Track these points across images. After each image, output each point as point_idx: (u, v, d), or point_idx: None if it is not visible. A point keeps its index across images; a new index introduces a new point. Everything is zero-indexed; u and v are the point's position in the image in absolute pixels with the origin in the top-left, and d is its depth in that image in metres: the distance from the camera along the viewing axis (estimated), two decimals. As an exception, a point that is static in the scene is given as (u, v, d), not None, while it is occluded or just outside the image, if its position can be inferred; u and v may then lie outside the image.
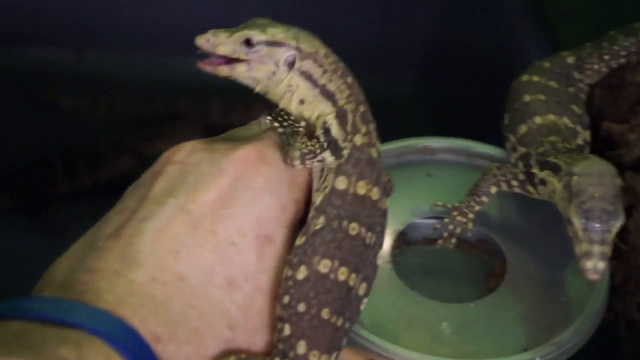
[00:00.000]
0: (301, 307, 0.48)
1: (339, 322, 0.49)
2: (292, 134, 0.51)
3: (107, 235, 0.49)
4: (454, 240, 0.66)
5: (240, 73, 0.51)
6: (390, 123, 0.76)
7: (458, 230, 0.66)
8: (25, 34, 1.07)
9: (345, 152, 0.50)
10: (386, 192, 0.53)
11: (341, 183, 0.50)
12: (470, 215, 0.65)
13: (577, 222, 0.55)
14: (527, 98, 0.68)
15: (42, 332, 0.43)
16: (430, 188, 0.72)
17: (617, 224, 0.55)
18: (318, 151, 0.50)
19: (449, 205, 0.66)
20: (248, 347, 0.49)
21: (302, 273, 0.48)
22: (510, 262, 0.65)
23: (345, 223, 0.49)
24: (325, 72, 0.51)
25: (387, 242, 0.67)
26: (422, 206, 0.70)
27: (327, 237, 0.49)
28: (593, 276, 0.55)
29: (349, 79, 0.52)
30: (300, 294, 0.48)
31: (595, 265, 0.54)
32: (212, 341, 0.47)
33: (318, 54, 0.51)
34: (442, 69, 1.01)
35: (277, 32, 0.51)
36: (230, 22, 0.52)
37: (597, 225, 0.55)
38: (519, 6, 0.95)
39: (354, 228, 0.49)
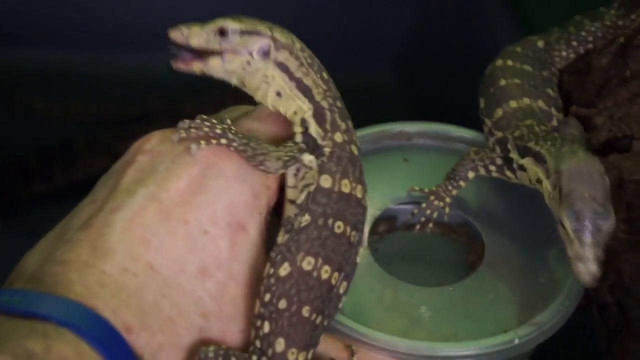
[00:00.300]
0: (282, 304, 0.47)
1: (318, 320, 0.48)
2: (256, 142, 0.49)
3: (77, 227, 0.48)
4: (431, 225, 0.65)
5: (215, 67, 0.49)
6: (370, 112, 0.75)
7: (435, 214, 0.65)
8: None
9: (327, 150, 0.49)
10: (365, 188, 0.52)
11: (326, 181, 0.49)
12: (448, 200, 0.64)
13: (569, 224, 0.54)
14: (502, 82, 0.67)
15: (9, 325, 0.42)
16: (406, 173, 0.71)
17: (608, 225, 0.54)
18: (297, 155, 0.49)
19: (426, 190, 0.65)
20: (222, 336, 0.48)
21: (284, 270, 0.47)
22: (488, 245, 0.64)
23: (331, 221, 0.48)
24: (301, 65, 0.50)
25: (365, 228, 0.66)
26: (399, 191, 0.69)
27: (312, 235, 0.48)
28: (587, 279, 0.53)
29: (325, 75, 0.51)
30: (282, 290, 0.47)
31: (589, 269, 0.53)
32: (185, 330, 0.46)
33: (294, 46, 0.50)
34: (419, 58, 1.00)
35: (251, 22, 0.49)
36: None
37: (589, 227, 0.53)
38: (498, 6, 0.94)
39: (339, 226, 0.48)
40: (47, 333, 0.42)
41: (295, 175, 0.50)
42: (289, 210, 0.50)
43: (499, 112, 0.65)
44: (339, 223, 0.48)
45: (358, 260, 0.50)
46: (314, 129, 0.50)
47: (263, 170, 0.49)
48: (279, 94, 0.50)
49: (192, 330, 0.47)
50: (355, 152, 0.50)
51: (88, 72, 1.05)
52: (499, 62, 0.69)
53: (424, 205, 0.65)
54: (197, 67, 0.49)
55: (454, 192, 0.64)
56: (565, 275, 0.61)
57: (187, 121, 0.50)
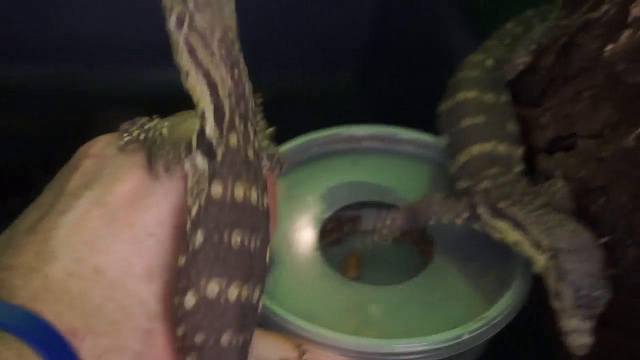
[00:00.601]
0: (198, 338, 0.45)
1: (241, 339, 0.46)
2: (153, 141, 0.47)
3: (23, 231, 0.47)
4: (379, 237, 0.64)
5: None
6: (331, 115, 0.74)
7: (379, 240, 0.64)
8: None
9: (220, 153, 0.46)
10: (280, 169, 0.50)
11: (216, 189, 0.45)
12: (396, 234, 0.64)
13: (568, 300, 0.54)
14: (466, 122, 0.65)
15: None
16: (355, 176, 0.70)
17: (605, 299, 0.54)
18: (183, 154, 0.46)
19: (379, 225, 0.64)
20: (168, 338, 0.46)
21: (190, 301, 0.45)
22: (437, 245, 0.64)
23: (226, 235, 0.45)
24: (212, 56, 0.46)
25: (315, 231, 0.65)
26: (348, 195, 0.68)
27: (209, 255, 0.45)
28: (581, 351, 0.54)
29: (237, 72, 0.47)
30: (194, 324, 0.45)
31: (584, 341, 0.53)
32: (131, 332, 0.45)
33: (211, 34, 0.46)
34: (381, 60, 0.99)
35: None
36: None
37: (588, 303, 0.54)
38: (451, 5, 0.94)
39: (236, 239, 0.45)
40: None
41: (193, 175, 0.47)
42: (187, 222, 0.47)
43: (462, 158, 0.64)
44: (236, 234, 0.46)
45: (267, 259, 0.48)
46: (210, 128, 0.46)
47: (154, 174, 0.47)
48: (186, 75, 0.47)
49: (138, 333, 0.46)
50: (252, 156, 0.47)
51: (49, 87, 1.02)
52: (461, 95, 0.67)
53: (373, 232, 0.64)
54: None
55: (405, 226, 0.63)
56: (513, 272, 0.61)
57: (127, 123, 0.48)
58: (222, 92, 0.46)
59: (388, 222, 0.63)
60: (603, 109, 0.58)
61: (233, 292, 0.45)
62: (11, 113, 1.00)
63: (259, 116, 0.53)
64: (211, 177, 0.46)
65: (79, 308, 0.44)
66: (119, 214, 0.46)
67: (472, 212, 0.61)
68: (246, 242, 0.46)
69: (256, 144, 0.47)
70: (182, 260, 0.45)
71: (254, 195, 0.46)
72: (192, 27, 0.46)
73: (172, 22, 0.46)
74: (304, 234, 0.65)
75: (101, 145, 0.50)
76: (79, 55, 1.00)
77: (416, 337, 0.56)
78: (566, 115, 0.61)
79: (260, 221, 0.47)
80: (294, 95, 0.93)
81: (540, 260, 0.56)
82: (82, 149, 0.50)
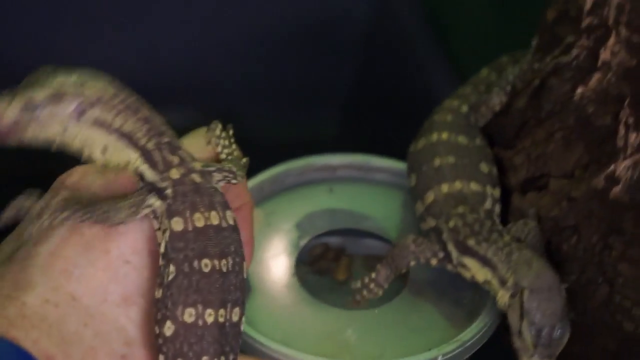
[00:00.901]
0: None
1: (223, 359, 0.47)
2: (98, 205, 0.47)
3: (1, 261, 0.47)
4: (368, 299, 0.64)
5: (33, 138, 0.46)
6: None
7: (371, 297, 0.63)
8: None
9: (169, 192, 0.47)
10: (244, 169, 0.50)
11: (177, 224, 0.46)
12: (385, 285, 0.63)
13: (529, 339, 0.55)
14: (437, 162, 0.65)
15: None
16: (331, 204, 0.70)
17: (565, 338, 0.55)
18: (141, 202, 0.46)
19: (366, 280, 0.63)
20: None
21: (169, 329, 0.45)
22: (412, 269, 0.64)
23: (195, 263, 0.46)
24: (117, 113, 0.47)
25: (292, 258, 0.66)
26: (325, 221, 0.69)
27: (182, 285, 0.46)
28: None
29: (145, 112, 0.47)
30: (174, 350, 0.45)
31: None
32: (107, 358, 0.46)
33: (105, 96, 0.46)
34: (364, 108, 0.99)
35: (58, 84, 0.46)
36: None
37: (549, 342, 0.54)
38: (431, 51, 0.95)
39: (206, 265, 0.46)
40: None
41: (155, 218, 0.47)
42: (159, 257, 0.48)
43: (431, 197, 0.64)
44: (205, 261, 0.46)
45: (245, 274, 0.48)
46: (149, 175, 0.47)
47: (111, 225, 0.47)
48: (104, 150, 0.47)
49: (115, 358, 0.46)
50: (198, 179, 0.47)
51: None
52: (435, 136, 0.67)
53: (362, 290, 0.63)
54: (14, 140, 0.46)
55: (392, 277, 0.63)
56: (487, 295, 0.61)
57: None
58: (142, 139, 0.47)
59: (372, 282, 0.63)
60: (574, 150, 0.60)
61: (210, 317, 0.46)
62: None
63: (233, 146, 0.53)
64: (169, 215, 0.46)
65: (55, 335, 0.44)
66: (95, 242, 0.47)
67: (444, 249, 0.62)
68: (217, 266, 0.46)
69: (197, 166, 0.48)
70: (158, 292, 0.46)
71: (214, 217, 0.47)
72: (89, 105, 0.46)
73: (70, 126, 0.46)
74: (281, 261, 0.65)
75: (78, 176, 0.50)
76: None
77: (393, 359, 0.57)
78: (539, 156, 0.62)
79: (228, 238, 0.47)
80: (279, 141, 0.94)
81: (504, 297, 0.57)
82: (60, 179, 0.50)
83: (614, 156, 0.55)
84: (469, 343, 0.58)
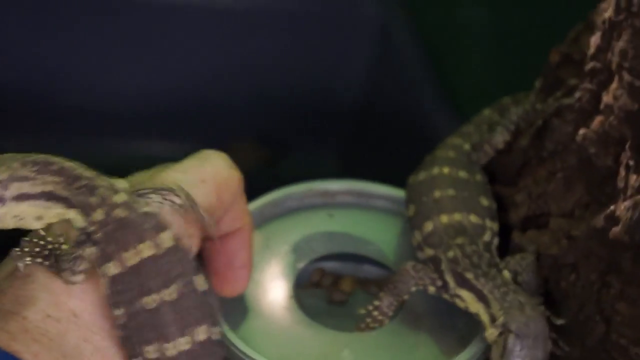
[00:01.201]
0: None
1: None
2: (56, 256, 0.46)
3: (3, 278, 0.47)
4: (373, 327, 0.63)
5: None
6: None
7: (376, 326, 0.63)
8: None
9: (99, 235, 0.46)
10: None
11: (111, 268, 0.46)
12: (390, 314, 0.63)
13: None
14: (437, 194, 0.66)
15: None
16: (330, 228, 0.70)
17: None
18: (77, 252, 0.46)
19: (370, 307, 0.63)
20: None
21: None
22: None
23: (141, 302, 0.45)
24: (32, 180, 0.46)
25: (289, 281, 0.65)
26: (325, 245, 0.69)
27: (135, 326, 0.45)
28: None
29: (55, 165, 0.47)
30: None
31: None
32: None
33: (15, 170, 0.46)
34: (365, 143, 1.00)
35: None
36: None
37: None
38: (432, 89, 0.96)
39: (153, 300, 0.45)
40: None
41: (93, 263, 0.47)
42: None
43: (429, 226, 0.64)
44: (149, 298, 0.45)
45: (204, 287, 0.47)
46: (78, 222, 0.46)
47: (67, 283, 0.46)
48: (39, 218, 0.47)
49: None
50: (122, 213, 0.46)
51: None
52: (436, 170, 0.67)
53: (367, 317, 0.63)
54: None
55: (396, 304, 0.63)
56: (480, 323, 0.61)
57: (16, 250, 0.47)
58: (62, 191, 0.46)
59: (376, 310, 0.63)
60: (575, 190, 0.60)
61: (172, 350, 0.45)
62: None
63: None
64: (103, 260, 0.45)
65: (55, 349, 0.44)
66: None
67: (442, 278, 0.62)
68: (165, 297, 0.45)
69: (119, 198, 0.46)
70: (119, 332, 0.45)
71: (146, 249, 0.46)
72: (5, 187, 0.46)
73: None
74: (279, 283, 0.65)
75: None
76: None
77: None
78: (540, 195, 0.63)
79: (168, 263, 0.46)
80: (279, 172, 0.94)
81: (492, 334, 0.57)
82: None
83: (614, 197, 0.56)
84: None
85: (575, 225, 0.59)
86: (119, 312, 0.45)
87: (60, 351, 0.44)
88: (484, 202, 0.66)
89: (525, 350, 0.55)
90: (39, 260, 0.46)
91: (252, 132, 0.96)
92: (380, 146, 0.97)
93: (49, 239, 0.48)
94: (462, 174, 0.67)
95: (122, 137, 0.94)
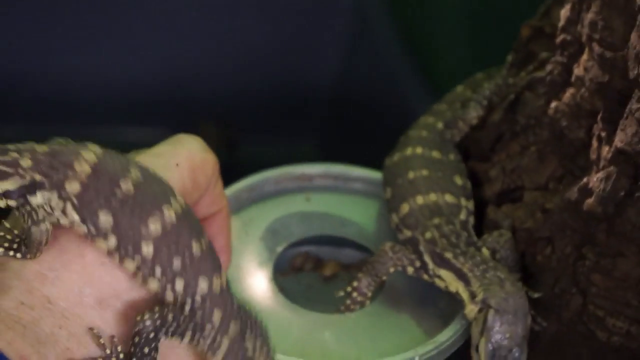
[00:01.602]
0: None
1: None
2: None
3: None
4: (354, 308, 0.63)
5: None
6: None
7: (356, 307, 0.62)
8: None
9: (37, 177, 0.45)
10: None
11: (71, 185, 0.44)
12: (369, 294, 0.62)
13: (483, 356, 0.55)
14: (411, 175, 0.65)
15: None
16: (308, 211, 0.69)
17: None
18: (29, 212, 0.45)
19: (348, 289, 0.63)
20: None
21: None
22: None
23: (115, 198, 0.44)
24: None
25: (269, 264, 0.64)
26: (301, 229, 0.67)
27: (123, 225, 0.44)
28: None
29: None
30: None
31: None
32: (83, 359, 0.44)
33: None
34: (341, 124, 0.98)
35: None
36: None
37: None
38: (406, 67, 0.94)
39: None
40: None
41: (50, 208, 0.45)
42: None
43: (406, 208, 0.63)
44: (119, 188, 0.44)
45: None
46: (11, 185, 0.45)
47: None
48: None
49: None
50: (45, 148, 0.45)
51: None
52: (409, 150, 0.67)
53: (346, 299, 0.62)
54: None
55: (374, 285, 0.62)
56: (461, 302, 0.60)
57: None
58: None
59: (355, 291, 0.62)
60: (548, 163, 0.59)
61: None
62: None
63: None
64: (57, 189, 0.44)
65: (30, 336, 0.43)
66: (70, 247, 0.45)
67: (420, 259, 0.61)
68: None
69: (40, 148, 0.45)
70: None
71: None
72: None
73: None
74: (259, 267, 0.64)
75: None
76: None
77: None
78: (514, 169, 0.62)
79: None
80: (256, 155, 0.92)
81: (472, 311, 0.57)
82: None
83: (587, 169, 0.55)
84: (444, 345, 0.58)
85: (550, 198, 0.58)
86: (103, 217, 0.44)
87: (35, 338, 0.43)
88: (458, 181, 0.65)
89: (505, 326, 0.55)
90: (11, 253, 0.45)
91: (224, 117, 0.94)
92: (357, 130, 0.95)
93: (16, 231, 0.46)
94: (435, 153, 0.66)
95: (95, 124, 0.93)
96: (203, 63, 0.94)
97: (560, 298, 0.56)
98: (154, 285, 0.45)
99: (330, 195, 0.71)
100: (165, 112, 0.93)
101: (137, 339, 0.44)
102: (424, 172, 0.65)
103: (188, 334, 0.45)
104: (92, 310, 0.45)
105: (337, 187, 0.72)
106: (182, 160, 0.50)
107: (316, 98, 0.97)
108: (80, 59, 0.92)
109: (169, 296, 0.45)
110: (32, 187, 0.45)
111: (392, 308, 0.62)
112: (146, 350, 0.44)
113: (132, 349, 0.44)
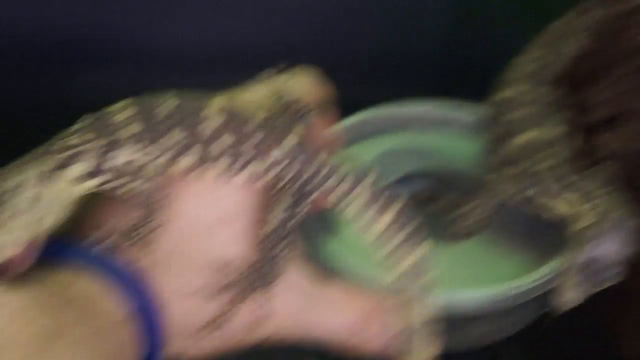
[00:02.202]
0: None
1: None
2: None
3: None
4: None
5: None
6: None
7: (474, 229, 0.63)
8: None
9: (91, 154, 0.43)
10: None
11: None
12: (482, 223, 0.62)
13: (577, 264, 0.53)
14: (515, 114, 0.62)
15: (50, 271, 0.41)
16: (412, 146, 0.70)
17: (608, 285, 0.53)
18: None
19: (456, 219, 0.63)
20: None
21: None
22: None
23: None
24: None
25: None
26: (408, 165, 0.69)
27: None
28: (563, 306, 0.53)
29: None
30: None
31: (571, 298, 0.53)
32: (203, 272, 0.44)
33: None
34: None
35: None
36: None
37: (590, 277, 0.53)
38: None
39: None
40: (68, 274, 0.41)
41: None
42: None
43: (513, 144, 0.61)
44: None
45: None
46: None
47: None
48: None
49: (211, 271, 0.44)
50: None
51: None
52: (510, 91, 0.64)
53: (461, 222, 0.63)
54: None
55: (482, 217, 0.62)
56: (564, 239, 0.58)
57: None
58: None
59: (470, 214, 0.62)
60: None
61: None
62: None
63: None
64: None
65: (151, 254, 0.43)
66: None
67: (530, 191, 0.59)
68: None
69: None
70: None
71: None
72: None
73: None
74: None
75: None
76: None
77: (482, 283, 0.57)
78: (617, 95, 0.59)
79: None
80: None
81: (584, 221, 0.55)
82: None
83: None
84: (542, 280, 0.57)
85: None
86: None
87: (157, 254, 0.43)
88: (559, 116, 0.63)
89: (609, 244, 0.53)
90: None
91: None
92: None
93: None
94: (538, 90, 0.64)
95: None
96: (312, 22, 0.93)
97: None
98: None
99: (430, 133, 0.72)
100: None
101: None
102: (531, 109, 0.63)
103: None
104: (214, 228, 0.44)
105: (444, 122, 0.73)
106: (297, 88, 0.49)
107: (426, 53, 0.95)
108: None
109: None
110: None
111: (494, 242, 0.62)
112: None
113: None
